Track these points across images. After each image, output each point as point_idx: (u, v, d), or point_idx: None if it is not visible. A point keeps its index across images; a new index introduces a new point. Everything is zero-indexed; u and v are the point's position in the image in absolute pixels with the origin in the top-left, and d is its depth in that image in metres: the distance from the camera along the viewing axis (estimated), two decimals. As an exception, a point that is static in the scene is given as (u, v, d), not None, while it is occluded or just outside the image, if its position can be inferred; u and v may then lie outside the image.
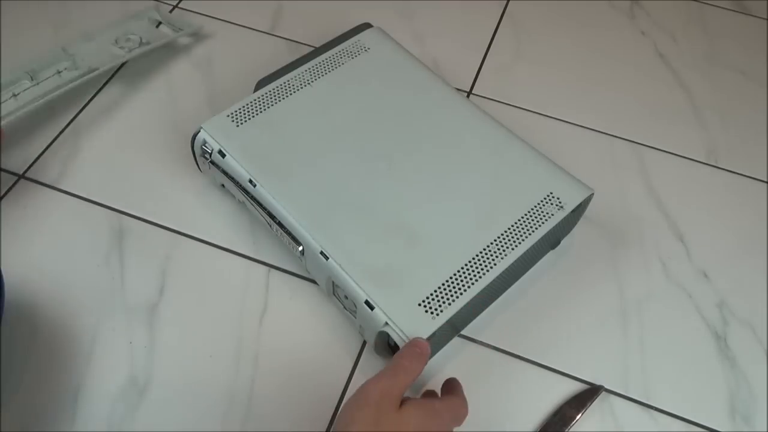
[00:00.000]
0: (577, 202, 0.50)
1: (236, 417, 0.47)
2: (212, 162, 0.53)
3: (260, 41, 0.72)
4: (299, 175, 0.51)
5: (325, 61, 0.59)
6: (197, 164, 0.57)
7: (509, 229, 0.48)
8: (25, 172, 0.60)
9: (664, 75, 0.73)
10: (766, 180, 0.64)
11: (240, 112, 0.54)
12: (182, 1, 0.76)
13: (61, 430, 0.46)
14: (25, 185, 0.59)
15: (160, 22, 0.72)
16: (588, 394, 0.49)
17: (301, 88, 0.56)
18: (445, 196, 0.50)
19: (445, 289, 0.45)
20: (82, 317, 0.51)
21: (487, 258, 0.47)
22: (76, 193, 0.59)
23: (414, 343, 0.42)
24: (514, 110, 0.68)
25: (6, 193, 0.58)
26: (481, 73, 0.71)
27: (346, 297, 0.47)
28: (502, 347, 0.52)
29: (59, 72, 0.63)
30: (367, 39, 0.61)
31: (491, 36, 0.75)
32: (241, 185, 0.52)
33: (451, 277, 0.46)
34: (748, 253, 0.59)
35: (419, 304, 0.44)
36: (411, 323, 0.43)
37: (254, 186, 0.50)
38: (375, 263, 0.46)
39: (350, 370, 0.50)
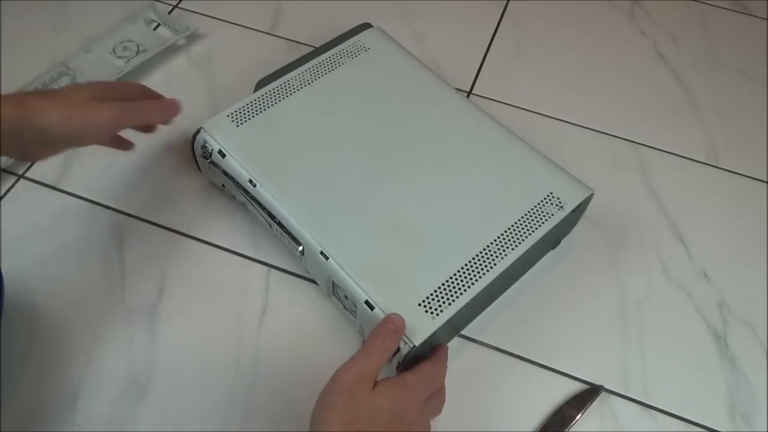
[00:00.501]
0: (577, 202, 0.50)
1: (236, 417, 0.47)
2: (212, 162, 0.53)
3: (260, 41, 0.72)
4: (299, 175, 0.51)
5: (325, 61, 0.59)
6: (197, 164, 0.57)
7: (509, 229, 0.48)
8: (25, 172, 0.60)
9: (664, 75, 0.73)
10: (766, 180, 0.64)
11: (240, 112, 0.54)
12: (182, 1, 0.76)
13: (61, 430, 0.46)
14: (25, 185, 0.59)
15: (158, 24, 0.72)
16: (588, 394, 0.49)
17: (301, 88, 0.56)
18: (445, 196, 0.50)
19: (444, 290, 0.45)
20: (82, 317, 0.51)
21: (487, 258, 0.47)
22: (76, 193, 0.59)
23: (387, 319, 0.42)
24: (514, 110, 0.68)
25: (6, 193, 0.58)
26: (481, 73, 0.71)
27: (346, 297, 0.47)
28: (502, 347, 0.52)
29: None
30: (367, 39, 0.61)
31: (491, 36, 0.75)
32: (241, 185, 0.51)
33: (451, 278, 0.45)
34: (748, 253, 0.59)
35: (419, 304, 0.44)
36: (411, 323, 0.43)
37: (254, 186, 0.50)
38: (375, 263, 0.46)
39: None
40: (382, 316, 0.44)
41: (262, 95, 0.56)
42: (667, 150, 0.66)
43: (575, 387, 0.50)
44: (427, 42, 0.74)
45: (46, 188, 0.59)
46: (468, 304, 0.45)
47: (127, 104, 0.47)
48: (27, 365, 0.48)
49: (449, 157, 0.53)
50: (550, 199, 0.50)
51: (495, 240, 0.47)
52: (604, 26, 0.78)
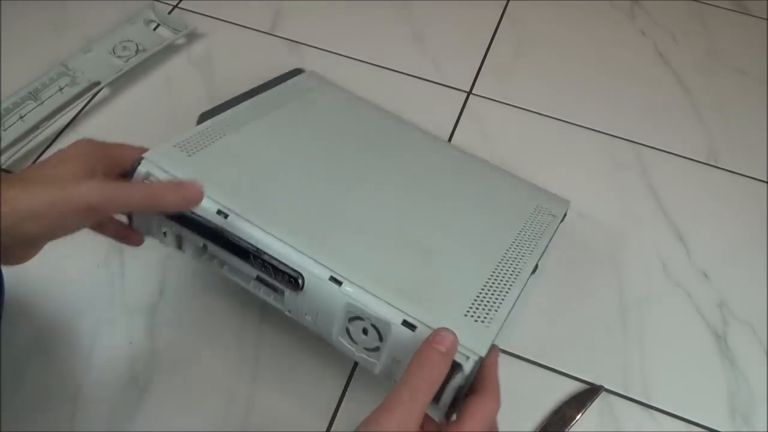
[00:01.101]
0: (564, 211, 0.51)
1: (236, 417, 0.47)
2: None
3: (260, 41, 0.72)
4: (280, 201, 0.43)
5: (272, 96, 0.54)
6: (128, 216, 0.44)
7: (519, 234, 0.47)
8: (25, 172, 0.60)
9: (664, 75, 0.73)
10: (766, 180, 0.64)
11: (189, 142, 0.45)
12: (182, 1, 0.76)
13: (61, 430, 0.46)
14: (25, 185, 0.59)
15: (158, 24, 0.72)
16: (588, 394, 0.49)
17: (253, 120, 0.50)
18: (443, 214, 0.47)
19: (486, 296, 0.40)
20: (82, 317, 0.51)
21: (514, 259, 0.44)
22: (76, 193, 0.58)
23: (435, 339, 0.33)
24: (513, 110, 0.68)
25: (6, 193, 0.58)
26: (481, 73, 0.71)
27: (366, 331, 0.38)
28: (502, 347, 0.52)
29: (61, 89, 0.64)
30: (306, 82, 0.58)
31: (491, 36, 0.75)
32: (204, 223, 0.40)
33: (486, 283, 0.41)
34: (748, 253, 0.59)
35: (465, 315, 0.38)
36: (468, 337, 0.36)
37: (226, 217, 0.40)
38: (398, 280, 0.39)
39: (350, 370, 0.50)
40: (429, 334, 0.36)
41: (212, 126, 0.48)
42: (667, 150, 0.66)
43: (575, 387, 0.50)
44: (427, 42, 0.74)
45: (46, 188, 0.59)
46: (513, 306, 0.41)
47: (120, 184, 0.37)
48: (27, 365, 0.48)
49: (433, 183, 0.50)
50: (540, 210, 0.50)
51: (512, 243, 0.46)
52: (604, 26, 0.78)
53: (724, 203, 0.62)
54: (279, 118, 0.51)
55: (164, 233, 0.43)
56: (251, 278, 0.42)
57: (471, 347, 0.36)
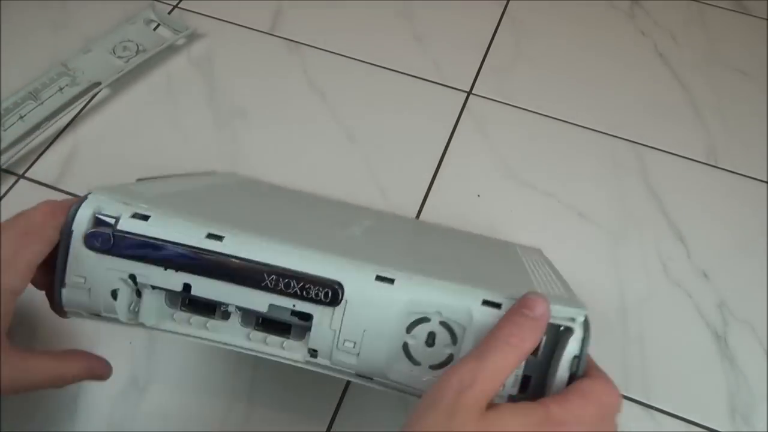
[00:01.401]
0: (541, 251, 0.52)
1: (236, 417, 0.47)
2: (117, 237, 0.31)
3: (260, 41, 0.72)
4: (279, 224, 0.37)
5: (207, 175, 0.52)
6: (58, 281, 0.33)
7: (524, 255, 0.47)
8: (25, 172, 0.60)
9: (664, 75, 0.73)
10: (766, 180, 0.64)
11: (138, 187, 0.37)
12: (182, 1, 0.76)
13: (61, 430, 0.46)
14: (25, 185, 0.59)
15: (158, 24, 0.72)
16: (588, 394, 0.49)
17: (202, 186, 0.44)
18: (448, 251, 0.45)
19: (539, 277, 0.36)
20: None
21: (536, 267, 0.43)
22: (76, 193, 0.58)
23: (526, 303, 0.27)
24: (514, 110, 0.68)
25: (6, 193, 0.58)
26: (481, 73, 0.71)
27: (433, 337, 0.31)
28: (502, 347, 0.52)
29: (61, 89, 0.64)
30: (230, 176, 0.57)
31: (491, 36, 0.75)
32: (189, 253, 0.31)
33: (531, 267, 0.39)
34: (748, 253, 0.59)
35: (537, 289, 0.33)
36: (560, 303, 0.30)
37: (221, 240, 0.31)
38: (451, 270, 0.34)
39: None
40: None
41: (156, 181, 0.41)
42: (667, 150, 0.66)
43: (575, 387, 0.50)
44: (427, 42, 0.74)
45: (46, 188, 0.59)
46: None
47: (19, 364, 0.32)
48: (27, 365, 0.48)
49: (416, 238, 0.49)
50: (525, 250, 0.51)
51: (526, 260, 0.45)
52: (604, 26, 0.78)
53: (724, 203, 0.62)
54: (232, 188, 0.49)
55: (113, 292, 0.32)
56: (251, 327, 0.33)
57: (572, 309, 0.29)
